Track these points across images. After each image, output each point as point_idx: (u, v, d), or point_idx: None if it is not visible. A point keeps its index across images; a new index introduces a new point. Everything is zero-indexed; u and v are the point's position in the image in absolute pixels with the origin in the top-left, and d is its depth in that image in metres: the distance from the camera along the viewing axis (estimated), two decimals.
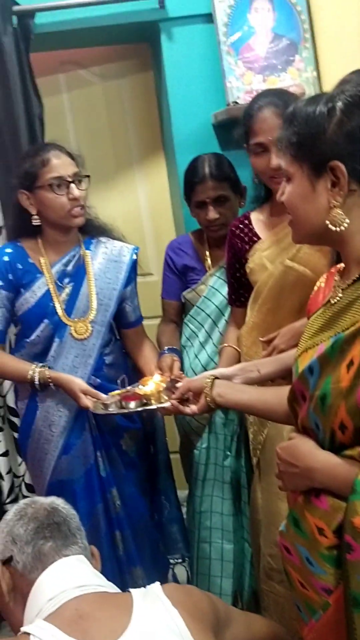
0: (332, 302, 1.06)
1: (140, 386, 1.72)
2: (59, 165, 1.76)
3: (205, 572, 2.08)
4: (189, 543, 2.11)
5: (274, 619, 1.67)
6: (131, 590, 1.01)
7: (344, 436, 0.97)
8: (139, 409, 1.66)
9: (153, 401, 1.64)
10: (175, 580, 2.22)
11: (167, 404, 1.55)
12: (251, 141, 1.67)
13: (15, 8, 2.14)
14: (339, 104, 0.99)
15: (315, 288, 1.21)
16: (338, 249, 1.08)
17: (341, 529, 0.94)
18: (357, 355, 0.94)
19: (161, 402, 1.62)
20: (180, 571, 2.20)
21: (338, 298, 1.05)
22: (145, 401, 1.66)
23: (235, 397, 1.35)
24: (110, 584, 1.05)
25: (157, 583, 1.03)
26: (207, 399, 1.35)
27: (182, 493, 2.22)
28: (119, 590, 1.04)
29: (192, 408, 1.43)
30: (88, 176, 1.81)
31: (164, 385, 1.67)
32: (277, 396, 1.26)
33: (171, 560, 2.09)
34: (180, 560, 2.12)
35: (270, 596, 1.73)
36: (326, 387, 0.98)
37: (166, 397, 1.62)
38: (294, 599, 1.07)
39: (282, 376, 1.47)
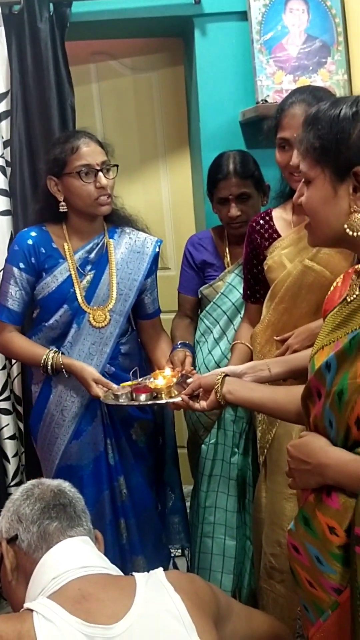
0: (349, 300, 1.06)
1: (151, 379, 1.72)
2: (88, 153, 1.76)
3: (206, 566, 2.09)
4: (189, 535, 2.12)
5: None
6: (134, 574, 1.02)
7: (359, 433, 0.97)
8: (149, 402, 1.67)
9: (163, 395, 1.64)
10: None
11: (177, 399, 1.56)
12: (278, 135, 1.68)
13: None
14: None
15: (332, 288, 1.21)
16: (355, 251, 1.08)
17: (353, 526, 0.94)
18: None
19: (171, 397, 1.62)
20: (182, 563, 2.21)
21: (355, 295, 1.05)
22: (155, 394, 1.66)
23: (246, 395, 1.35)
24: (114, 566, 1.06)
25: (161, 569, 1.03)
26: (217, 395, 1.35)
27: (187, 488, 2.23)
28: (122, 573, 1.05)
29: (202, 404, 1.43)
30: (116, 165, 1.82)
31: (175, 380, 1.67)
32: (289, 395, 1.26)
33: (172, 551, 2.10)
34: (179, 552, 2.13)
35: (270, 595, 1.74)
36: (343, 383, 0.98)
37: (176, 392, 1.62)
38: (301, 599, 1.07)
39: (293, 376, 1.47)
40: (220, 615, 1.06)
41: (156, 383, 1.67)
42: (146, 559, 1.88)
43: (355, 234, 1.00)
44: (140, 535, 1.88)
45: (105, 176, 1.77)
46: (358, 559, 0.92)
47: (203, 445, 2.09)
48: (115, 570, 1.05)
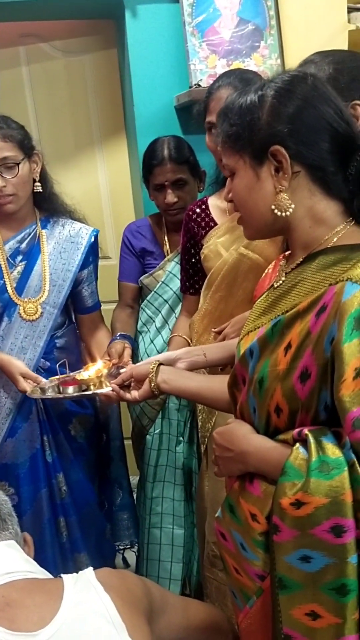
0: (276, 285, 1.06)
1: (83, 372, 1.68)
2: None
3: (155, 557, 2.09)
4: (139, 529, 2.10)
5: (216, 606, 1.67)
6: (62, 575, 0.99)
7: (279, 420, 0.97)
8: (76, 394, 1.61)
9: (92, 387, 1.59)
10: (126, 564, 2.22)
11: (106, 390, 1.51)
12: (206, 118, 1.67)
13: None
14: (269, 91, 1.00)
15: (264, 275, 1.20)
16: (286, 236, 1.08)
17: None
18: (295, 339, 0.94)
19: (102, 388, 1.58)
20: (130, 555, 2.20)
21: (281, 281, 1.05)
22: (85, 387, 1.61)
23: (181, 384, 1.30)
24: (42, 570, 1.02)
25: (90, 568, 1.01)
26: (152, 385, 1.31)
27: (134, 479, 2.21)
28: (50, 576, 1.02)
29: (134, 394, 1.38)
30: (18, 163, 1.69)
31: (106, 371, 1.63)
32: (225, 384, 1.24)
33: (120, 546, 2.08)
34: (128, 546, 2.11)
35: (213, 583, 1.74)
36: (264, 371, 0.97)
37: (108, 384, 1.58)
38: (230, 586, 1.07)
39: (230, 363, 1.46)
40: (154, 610, 1.04)
41: (84, 375, 1.62)
42: (89, 555, 1.85)
43: (282, 213, 1.00)
44: (82, 532, 1.85)
45: (2, 175, 1.68)
46: (276, 547, 0.92)
47: (148, 436, 2.08)
48: (43, 574, 1.01)
